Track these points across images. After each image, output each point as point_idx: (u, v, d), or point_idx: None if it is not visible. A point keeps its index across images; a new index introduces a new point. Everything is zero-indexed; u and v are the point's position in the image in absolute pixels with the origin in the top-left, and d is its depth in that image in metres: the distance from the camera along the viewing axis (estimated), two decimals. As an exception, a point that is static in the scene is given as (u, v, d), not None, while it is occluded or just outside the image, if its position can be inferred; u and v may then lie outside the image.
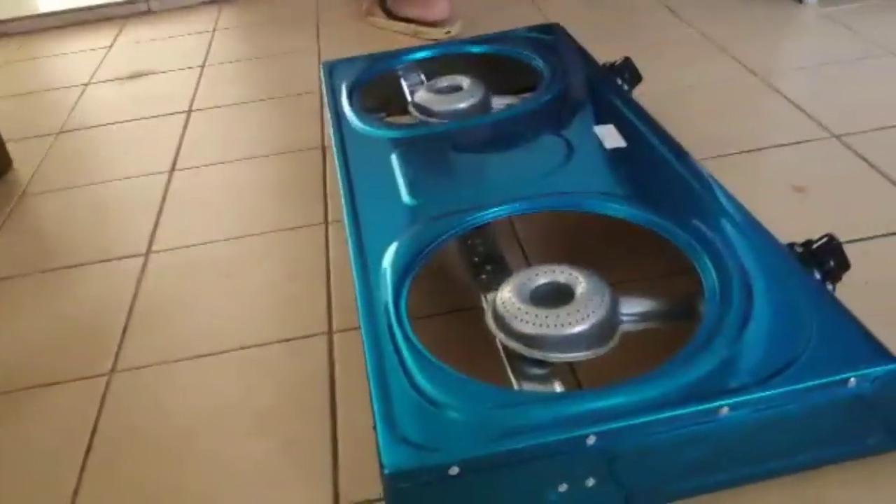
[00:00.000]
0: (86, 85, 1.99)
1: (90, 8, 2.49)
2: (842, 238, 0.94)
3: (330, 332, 1.07)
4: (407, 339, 0.80)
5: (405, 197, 1.02)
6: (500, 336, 0.84)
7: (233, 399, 0.99)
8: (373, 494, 0.82)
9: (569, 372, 0.92)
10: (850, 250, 1.07)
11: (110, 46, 2.23)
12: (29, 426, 0.99)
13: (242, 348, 1.07)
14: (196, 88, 1.88)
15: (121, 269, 1.26)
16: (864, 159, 1.28)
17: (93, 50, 2.22)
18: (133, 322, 1.14)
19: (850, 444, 0.76)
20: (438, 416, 0.71)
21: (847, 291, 0.87)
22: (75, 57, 2.20)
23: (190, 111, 1.77)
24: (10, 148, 1.63)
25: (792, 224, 1.08)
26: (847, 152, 1.31)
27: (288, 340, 1.07)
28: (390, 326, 0.81)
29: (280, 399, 0.97)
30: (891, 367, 0.70)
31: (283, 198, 1.40)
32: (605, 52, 1.44)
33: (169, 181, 1.49)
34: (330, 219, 1.31)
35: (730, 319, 0.76)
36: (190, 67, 2.00)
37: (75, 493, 0.88)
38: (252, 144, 1.60)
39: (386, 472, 0.67)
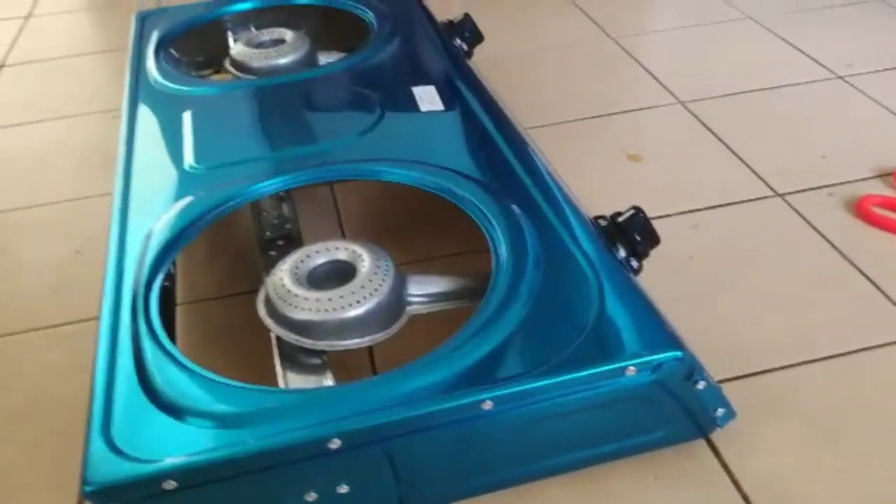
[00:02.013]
0: (28, 17, 1.77)
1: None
2: (673, 210, 0.88)
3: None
4: (151, 329, 0.69)
5: (188, 163, 0.90)
6: (269, 323, 0.74)
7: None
8: None
9: (366, 358, 0.83)
10: (680, 222, 1.02)
11: None
12: None
13: (5, 335, 0.94)
14: (14, 41, 1.68)
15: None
16: (707, 127, 1.23)
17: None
18: None
19: (641, 436, 0.70)
20: (169, 422, 0.61)
21: (665, 266, 0.81)
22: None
23: (1, 66, 1.58)
24: None
25: (621, 194, 1.02)
26: (691, 119, 1.26)
27: (57, 326, 0.94)
28: (135, 314, 0.70)
29: (33, 395, 0.85)
30: (673, 354, 0.64)
31: (88, 164, 1.26)
32: (447, 9, 1.34)
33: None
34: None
35: (511, 301, 0.68)
36: (11, 18, 1.80)
37: None
38: (67, 103, 1.44)
39: (86, 489, 0.56)
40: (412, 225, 0.99)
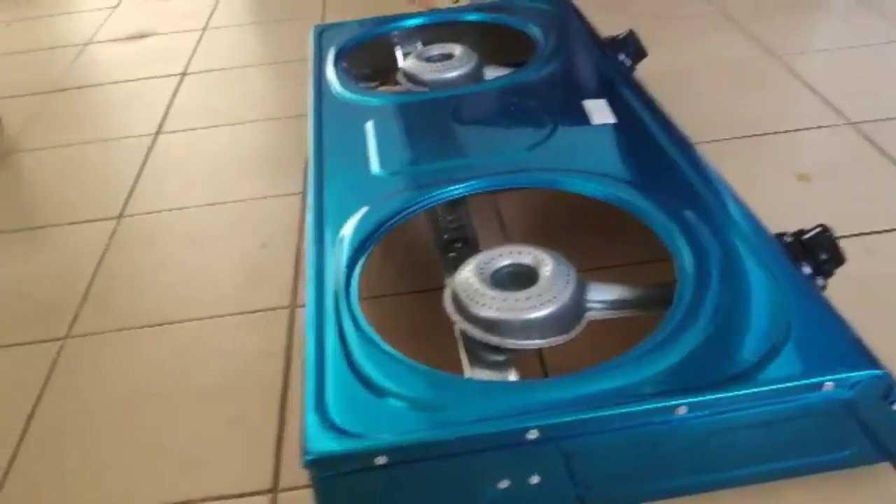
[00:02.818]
0: (86, 44, 1.95)
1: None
2: (845, 231, 0.87)
3: (295, 308, 1.02)
4: (353, 318, 0.74)
5: (375, 167, 0.96)
6: (457, 319, 0.78)
7: (185, 371, 0.94)
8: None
9: (536, 359, 0.86)
10: (852, 244, 1.00)
11: (116, 6, 2.19)
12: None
13: (202, 319, 1.02)
14: (194, 51, 1.83)
15: (90, 232, 1.22)
16: (880, 149, 1.20)
17: (99, 9, 2.17)
18: (95, 287, 1.10)
19: (824, 455, 0.69)
20: (374, 402, 0.66)
21: (842, 288, 0.80)
22: (81, 16, 2.16)
23: (184, 74, 1.72)
24: (1, 105, 1.60)
25: (792, 214, 1.01)
26: (861, 141, 1.23)
27: (249, 313, 1.02)
28: (338, 304, 0.76)
29: (231, 375, 0.93)
30: (872, 372, 0.63)
31: (263, 166, 1.35)
32: (611, 25, 1.36)
33: (153, 144, 1.45)
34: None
35: (699, 312, 0.70)
36: (191, 30, 1.95)
37: (10, 464, 0.84)
38: (242, 110, 1.55)
39: (307, 458, 0.62)
40: (581, 233, 1.01)
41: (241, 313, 1.03)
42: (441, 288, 0.85)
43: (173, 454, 0.84)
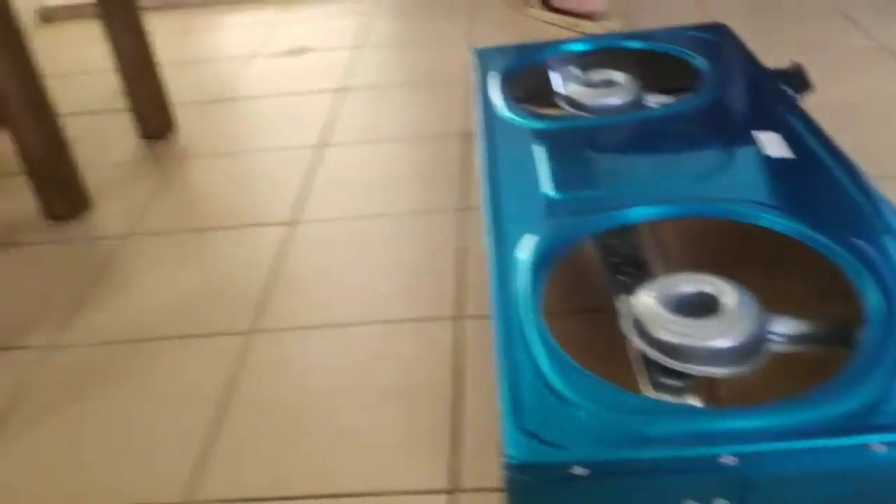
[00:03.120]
0: (249, 57, 2.08)
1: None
2: None
3: (458, 318, 1.07)
4: (540, 333, 0.78)
5: (548, 189, 1.00)
6: (637, 342, 0.81)
7: (359, 371, 1.01)
8: (490, 483, 0.82)
9: (706, 385, 0.87)
10: None
11: (275, 22, 2.32)
12: (168, 375, 1.05)
13: (372, 323, 1.09)
14: (351, 68, 1.93)
15: (266, 235, 1.31)
16: None
17: (259, 25, 2.32)
18: (273, 287, 1.18)
19: None
20: (568, 413, 0.69)
21: None
22: (242, 30, 2.30)
23: (342, 90, 1.82)
24: (175, 112, 1.73)
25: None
26: None
27: (415, 320, 1.08)
28: (523, 319, 0.80)
29: (403, 377, 0.99)
30: None
31: (422, 181, 1.42)
32: (771, 58, 1.36)
33: (317, 156, 1.54)
34: (465, 205, 1.31)
35: (892, 349, 0.70)
36: (346, 48, 2.06)
37: (203, 453, 0.92)
38: (397, 126, 1.63)
39: (508, 462, 0.66)
40: (754, 265, 1.02)
41: (408, 320, 1.09)
42: (603, 308, 0.88)
43: (355, 447, 0.90)
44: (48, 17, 2.45)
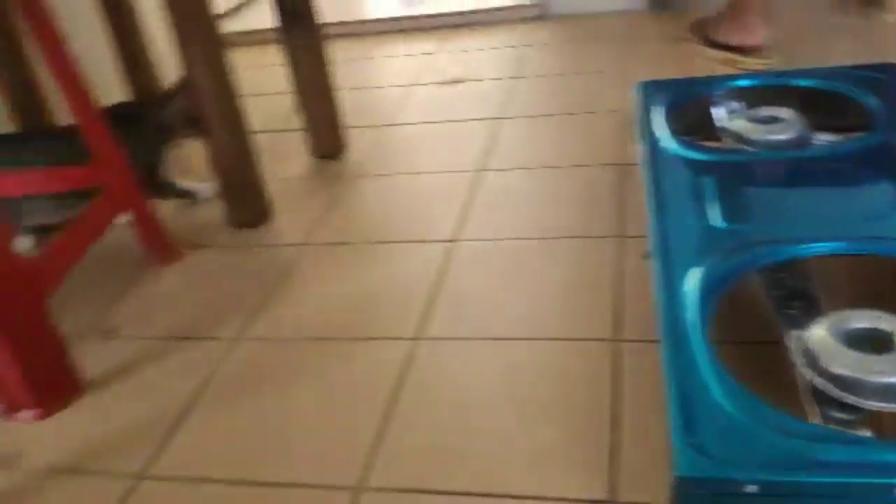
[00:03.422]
0: (411, 85, 2.21)
1: (417, 17, 2.75)
2: None
3: (616, 340, 1.11)
4: (710, 358, 0.81)
5: (715, 221, 1.03)
6: (809, 374, 0.82)
7: (518, 383, 1.06)
8: (649, 497, 0.85)
9: (874, 419, 0.87)
10: None
11: (433, 53, 2.45)
12: (340, 373, 1.14)
13: (530, 339, 1.14)
14: (508, 98, 2.01)
15: (429, 250, 1.39)
16: None
17: (418, 55, 2.45)
18: (436, 299, 1.26)
19: None
20: (739, 434, 0.72)
21: None
22: (404, 59, 2.44)
23: (501, 118, 1.89)
24: (346, 133, 1.87)
25: None
26: None
27: (572, 340, 1.12)
28: (692, 344, 0.83)
29: (561, 392, 1.03)
30: None
31: (577, 207, 1.46)
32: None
33: (476, 179, 1.62)
34: (621, 233, 1.35)
35: None
36: (504, 78, 2.15)
37: (375, 444, 1.00)
38: (553, 154, 1.68)
39: (678, 475, 0.69)
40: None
41: (565, 339, 1.13)
42: (770, 339, 0.89)
43: (515, 452, 0.95)
44: (232, 42, 2.68)
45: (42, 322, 1.12)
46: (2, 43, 1.64)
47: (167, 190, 1.64)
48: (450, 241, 1.41)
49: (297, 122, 1.88)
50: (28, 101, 1.71)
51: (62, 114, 1.57)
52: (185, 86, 1.65)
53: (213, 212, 1.64)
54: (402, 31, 2.70)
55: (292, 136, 1.96)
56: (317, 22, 1.71)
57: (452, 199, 1.55)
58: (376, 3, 3.08)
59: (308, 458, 0.99)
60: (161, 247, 1.47)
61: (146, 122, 1.60)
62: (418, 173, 1.70)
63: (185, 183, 1.67)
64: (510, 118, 1.89)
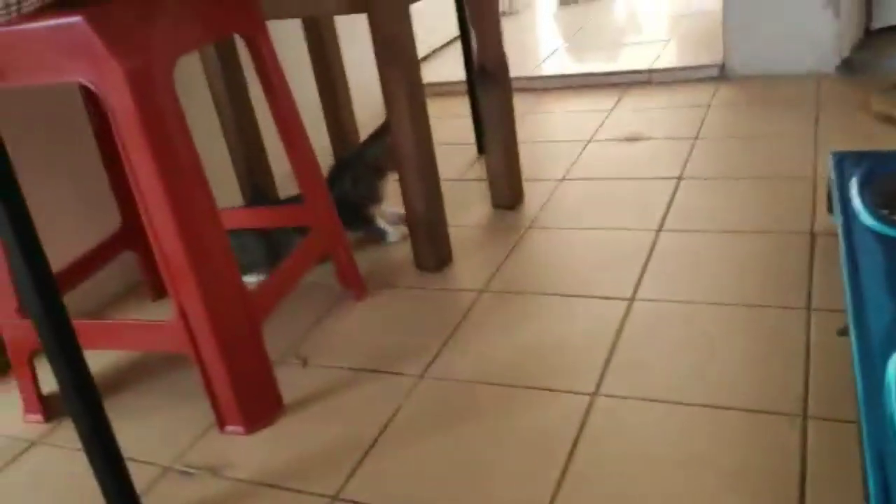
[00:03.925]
0: (588, 141, 2.26)
1: (595, 74, 2.81)
2: None
3: (801, 415, 1.09)
4: (912, 442, 0.79)
5: (920, 303, 1.00)
6: None
7: (698, 450, 1.06)
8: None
9: None
10: None
11: (611, 110, 2.49)
12: (520, 419, 1.18)
13: (709, 406, 1.14)
14: (688, 158, 2.01)
15: (606, 307, 1.42)
16: None
17: (595, 111, 2.50)
18: (615, 355, 1.28)
19: None
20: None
21: None
22: (580, 115, 2.50)
23: (680, 178, 1.90)
24: (523, 185, 1.94)
25: None
26: None
27: (754, 411, 1.11)
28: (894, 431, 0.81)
29: (742, 463, 1.02)
30: None
31: (760, 275, 1.44)
32: None
33: (654, 239, 1.64)
34: (813, 305, 1.32)
35: None
36: (683, 138, 2.15)
37: (556, 489, 1.04)
38: (735, 218, 1.67)
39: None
40: None
41: (746, 410, 1.12)
42: None
43: (695, 521, 0.95)
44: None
45: (256, 346, 1.25)
46: (236, 118, 1.84)
47: (369, 226, 1.79)
48: (627, 299, 1.44)
49: (476, 171, 1.98)
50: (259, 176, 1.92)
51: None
52: (378, 137, 1.80)
53: (400, 253, 1.75)
54: (581, 86, 2.77)
55: (472, 185, 2.06)
56: (506, 76, 1.80)
57: (629, 258, 1.58)
58: (556, 59, 3.16)
59: (486, 500, 1.04)
60: (355, 284, 1.59)
61: (360, 160, 1.76)
62: (594, 229, 1.74)
63: (381, 222, 1.80)
64: (690, 179, 1.90)
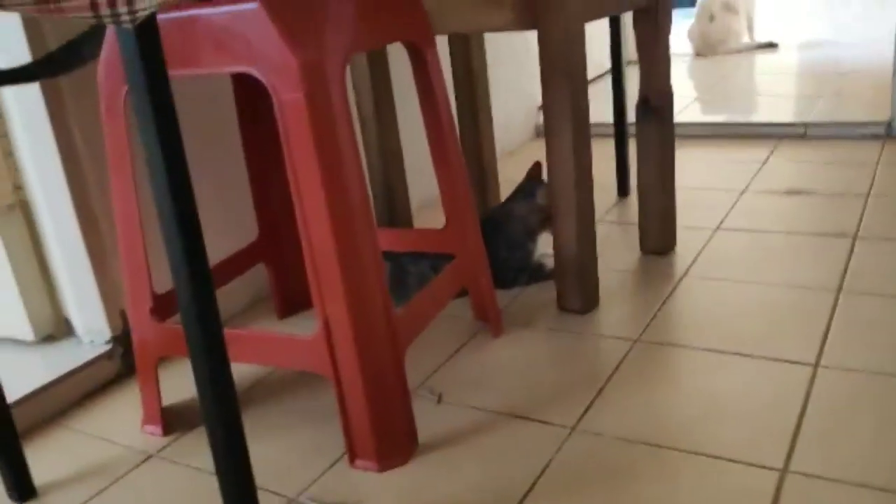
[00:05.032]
0: (742, 191, 2.09)
1: (744, 124, 2.65)
2: None
3: None
4: None
5: None
6: None
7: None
8: None
9: None
10: None
11: (764, 161, 2.31)
12: (691, 490, 1.02)
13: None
14: (861, 215, 1.82)
15: (788, 371, 1.25)
16: None
17: (746, 162, 2.33)
18: (804, 429, 1.11)
19: None
20: None
21: None
22: (730, 165, 2.33)
23: (856, 237, 1.71)
24: (676, 232, 1.78)
25: None
26: None
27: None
28: None
29: None
30: None
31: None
32: None
33: (836, 300, 1.45)
34: None
35: None
36: (853, 194, 1.96)
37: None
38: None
39: None
40: None
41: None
42: None
43: None
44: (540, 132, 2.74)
45: (397, 375, 1.14)
46: (379, 133, 1.77)
47: (528, 280, 1.66)
48: (811, 364, 1.26)
49: (616, 214, 1.85)
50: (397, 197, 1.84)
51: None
52: (536, 180, 1.69)
53: (539, 290, 1.62)
54: (729, 136, 2.61)
55: (614, 228, 1.93)
56: (670, 111, 1.67)
57: (807, 318, 1.40)
58: (696, 107, 3.02)
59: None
60: (492, 319, 1.47)
61: (513, 220, 1.65)
62: (760, 283, 1.56)
63: (535, 259, 1.68)
64: (869, 238, 1.70)
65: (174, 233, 0.79)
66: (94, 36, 1.15)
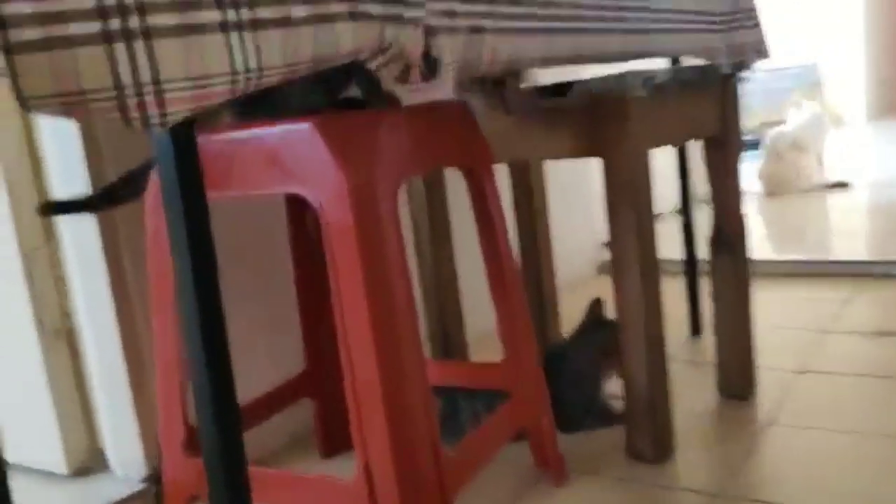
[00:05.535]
0: (823, 332, 1.93)
1: (827, 262, 2.51)
2: None
3: None
4: None
5: None
6: None
7: None
8: None
9: None
10: None
11: (846, 301, 2.16)
12: None
13: None
14: None
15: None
16: None
17: (825, 301, 2.18)
18: None
19: None
20: None
21: None
22: (807, 304, 2.18)
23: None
24: (756, 374, 1.64)
25: None
26: None
27: None
28: None
29: None
30: None
31: None
32: None
33: (940, 455, 1.28)
34: None
35: None
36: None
37: None
38: None
39: None
40: None
41: None
42: None
43: None
44: (602, 269, 2.65)
45: (446, 527, 1.01)
46: (435, 258, 1.72)
47: (605, 419, 1.53)
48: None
49: (688, 353, 1.72)
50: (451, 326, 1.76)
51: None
52: (599, 317, 1.59)
53: (605, 435, 1.48)
54: (802, 274, 2.47)
55: (687, 368, 1.79)
56: (744, 246, 1.57)
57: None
58: (766, 244, 2.90)
59: None
60: (554, 465, 1.33)
61: (579, 357, 1.54)
62: (845, 432, 1.40)
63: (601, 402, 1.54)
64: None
65: (201, 373, 0.72)
66: (150, 167, 1.14)
